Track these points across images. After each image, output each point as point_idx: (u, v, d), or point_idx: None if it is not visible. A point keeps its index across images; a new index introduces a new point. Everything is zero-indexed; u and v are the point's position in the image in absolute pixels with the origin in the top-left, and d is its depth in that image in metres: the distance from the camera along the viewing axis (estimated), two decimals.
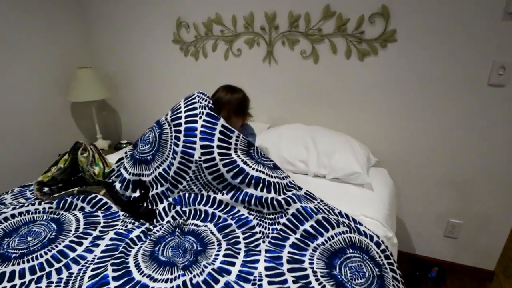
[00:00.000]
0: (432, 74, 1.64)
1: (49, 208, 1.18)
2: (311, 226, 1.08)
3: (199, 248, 1.03)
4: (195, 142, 1.19)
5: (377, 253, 1.02)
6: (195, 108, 1.28)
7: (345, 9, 1.68)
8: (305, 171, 1.59)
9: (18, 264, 0.92)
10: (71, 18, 2.25)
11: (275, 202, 1.15)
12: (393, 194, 1.58)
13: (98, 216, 1.15)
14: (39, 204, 1.18)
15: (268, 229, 1.11)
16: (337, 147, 1.57)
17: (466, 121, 1.66)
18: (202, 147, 1.19)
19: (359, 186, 1.47)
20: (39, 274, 0.90)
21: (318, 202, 1.22)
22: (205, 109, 1.27)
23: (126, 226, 1.11)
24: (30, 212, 1.15)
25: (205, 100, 1.31)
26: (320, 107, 1.93)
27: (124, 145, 2.34)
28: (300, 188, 1.28)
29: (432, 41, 1.59)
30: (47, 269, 0.92)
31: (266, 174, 1.24)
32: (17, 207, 1.16)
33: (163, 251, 1.01)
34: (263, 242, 1.05)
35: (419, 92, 1.70)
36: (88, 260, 0.96)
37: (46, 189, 1.37)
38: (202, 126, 1.22)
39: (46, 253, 0.96)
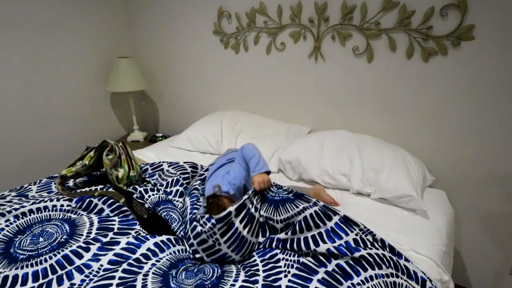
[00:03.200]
0: None
1: (68, 206, 1.12)
2: (346, 262, 0.89)
3: (218, 273, 0.91)
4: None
5: None
6: None
7: (411, 0, 1.43)
8: (347, 187, 1.38)
9: (22, 268, 0.86)
10: (113, 7, 2.23)
11: (302, 244, 0.97)
12: (452, 224, 1.32)
13: (114, 221, 1.06)
14: (58, 200, 1.13)
15: (293, 261, 0.94)
16: (387, 162, 1.34)
17: None
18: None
19: (411, 212, 1.23)
20: (41, 281, 0.83)
21: (361, 230, 1.01)
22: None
23: (139, 234, 1.00)
24: (48, 209, 1.09)
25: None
26: (371, 113, 1.68)
27: (160, 138, 2.29)
28: (336, 214, 1.05)
29: None
30: (50, 276, 0.85)
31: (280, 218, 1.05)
32: (37, 201, 1.11)
33: (179, 273, 0.89)
34: (285, 276, 0.88)
35: (494, 102, 1.39)
36: (93, 270, 0.87)
37: (70, 183, 1.34)
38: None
39: (51, 258, 0.89)
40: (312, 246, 0.94)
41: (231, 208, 0.96)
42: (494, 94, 1.39)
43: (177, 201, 1.20)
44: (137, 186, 1.25)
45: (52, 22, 1.90)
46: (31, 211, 1.07)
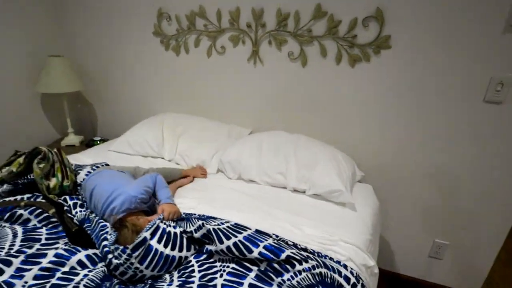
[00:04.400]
0: (425, 86, 1.53)
1: None
2: (277, 262, 0.94)
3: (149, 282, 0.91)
4: None
5: None
6: None
7: (338, 10, 1.55)
8: (284, 185, 1.47)
9: None
10: (43, 2, 2.07)
11: (233, 249, 0.96)
12: (377, 215, 1.47)
13: (41, 232, 1.01)
14: None
15: (228, 260, 0.97)
16: (320, 160, 1.45)
17: (458, 137, 1.56)
18: None
19: (341, 206, 1.35)
20: None
21: (274, 239, 1.04)
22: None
23: (69, 245, 0.97)
24: None
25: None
26: (306, 113, 1.80)
27: (98, 142, 2.19)
28: (249, 228, 1.05)
29: (428, 51, 1.48)
30: None
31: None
32: None
33: (112, 285, 0.88)
34: (221, 276, 0.92)
35: (410, 104, 1.59)
36: None
37: None
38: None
39: None
40: (237, 253, 0.94)
41: (145, 234, 0.91)
42: (411, 95, 1.57)
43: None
44: (67, 198, 1.19)
45: None
46: None
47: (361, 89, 1.65)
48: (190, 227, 1.03)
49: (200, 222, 1.02)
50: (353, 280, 0.94)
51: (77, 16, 2.16)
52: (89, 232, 1.04)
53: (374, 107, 1.66)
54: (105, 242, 0.96)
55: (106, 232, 1.00)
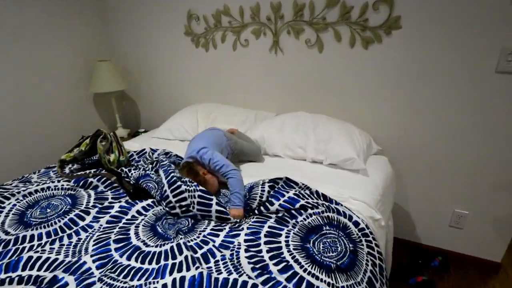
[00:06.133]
0: (437, 61, 1.63)
1: (67, 185, 1.33)
2: (294, 210, 1.16)
3: (192, 221, 1.16)
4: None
5: (354, 231, 1.07)
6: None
7: None
8: (303, 157, 1.65)
9: (37, 229, 1.07)
10: (89, 14, 2.41)
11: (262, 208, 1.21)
12: (390, 181, 1.60)
13: (107, 194, 1.29)
14: (58, 181, 1.34)
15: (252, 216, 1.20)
16: (335, 134, 1.61)
17: (472, 110, 1.63)
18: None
19: (355, 172, 1.51)
20: (53, 237, 1.05)
21: (300, 187, 1.27)
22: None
23: (128, 201, 1.24)
24: (51, 189, 1.30)
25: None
26: (325, 95, 1.96)
27: (142, 133, 2.50)
28: (281, 178, 1.32)
29: (437, 28, 1.57)
30: (60, 234, 1.06)
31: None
32: (41, 183, 1.32)
33: (163, 224, 1.13)
34: (246, 222, 1.15)
35: (423, 80, 1.69)
36: (95, 229, 1.09)
37: (67, 169, 1.54)
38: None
39: (59, 221, 1.11)
40: (269, 207, 1.19)
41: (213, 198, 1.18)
42: (423, 71, 1.67)
43: (153, 174, 1.42)
44: (124, 168, 1.47)
45: (27, 32, 2.07)
46: (36, 190, 1.28)
47: (375, 69, 1.78)
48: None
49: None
50: (362, 225, 1.11)
51: (118, 26, 2.48)
52: (144, 185, 1.32)
53: (387, 86, 1.78)
54: (173, 173, 1.26)
55: (174, 171, 1.29)
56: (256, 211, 1.20)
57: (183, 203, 1.18)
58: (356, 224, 1.10)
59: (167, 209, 1.22)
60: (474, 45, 1.53)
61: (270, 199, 1.20)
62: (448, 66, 1.61)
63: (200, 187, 1.20)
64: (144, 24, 2.38)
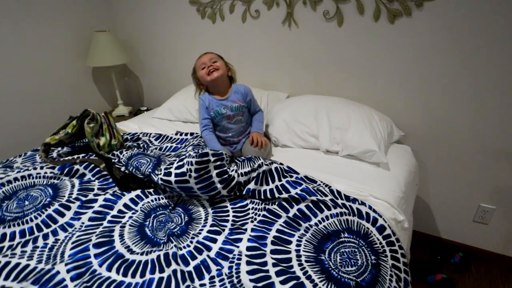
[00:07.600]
0: (475, 40, 1.38)
1: (51, 172, 1.19)
2: (306, 206, 1.00)
3: (186, 219, 1.01)
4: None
5: (378, 239, 0.91)
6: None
7: None
8: (316, 147, 1.46)
9: (10, 227, 0.95)
10: None
11: (268, 193, 1.08)
12: (413, 176, 1.42)
13: (94, 184, 1.15)
14: (41, 168, 1.20)
15: (260, 209, 1.04)
16: (353, 121, 1.41)
17: (507, 93, 1.41)
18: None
19: (374, 165, 1.32)
20: (27, 237, 0.92)
21: (318, 184, 1.11)
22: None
23: (116, 192, 1.10)
24: (32, 177, 1.17)
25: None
26: (344, 75, 1.74)
27: (144, 112, 2.34)
28: (297, 173, 1.17)
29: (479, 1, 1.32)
30: (36, 233, 0.94)
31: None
32: (21, 171, 1.18)
33: (152, 223, 0.99)
34: (252, 222, 0.99)
35: (457, 61, 1.45)
36: (75, 228, 0.96)
37: (54, 153, 1.41)
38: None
39: (36, 218, 0.98)
40: (277, 194, 1.04)
41: (210, 153, 1.05)
42: (456, 50, 1.44)
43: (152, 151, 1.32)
44: (114, 151, 1.32)
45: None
46: (16, 179, 1.15)
47: (401, 47, 1.54)
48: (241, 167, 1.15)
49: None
50: (387, 231, 0.94)
51: None
52: (136, 163, 1.19)
53: (415, 66, 1.55)
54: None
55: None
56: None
57: (179, 171, 1.05)
58: (381, 229, 0.94)
59: (161, 185, 1.08)
60: None
61: (285, 185, 1.07)
62: (486, 45, 1.37)
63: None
64: None
